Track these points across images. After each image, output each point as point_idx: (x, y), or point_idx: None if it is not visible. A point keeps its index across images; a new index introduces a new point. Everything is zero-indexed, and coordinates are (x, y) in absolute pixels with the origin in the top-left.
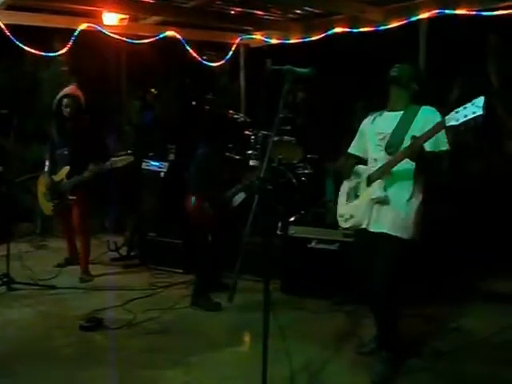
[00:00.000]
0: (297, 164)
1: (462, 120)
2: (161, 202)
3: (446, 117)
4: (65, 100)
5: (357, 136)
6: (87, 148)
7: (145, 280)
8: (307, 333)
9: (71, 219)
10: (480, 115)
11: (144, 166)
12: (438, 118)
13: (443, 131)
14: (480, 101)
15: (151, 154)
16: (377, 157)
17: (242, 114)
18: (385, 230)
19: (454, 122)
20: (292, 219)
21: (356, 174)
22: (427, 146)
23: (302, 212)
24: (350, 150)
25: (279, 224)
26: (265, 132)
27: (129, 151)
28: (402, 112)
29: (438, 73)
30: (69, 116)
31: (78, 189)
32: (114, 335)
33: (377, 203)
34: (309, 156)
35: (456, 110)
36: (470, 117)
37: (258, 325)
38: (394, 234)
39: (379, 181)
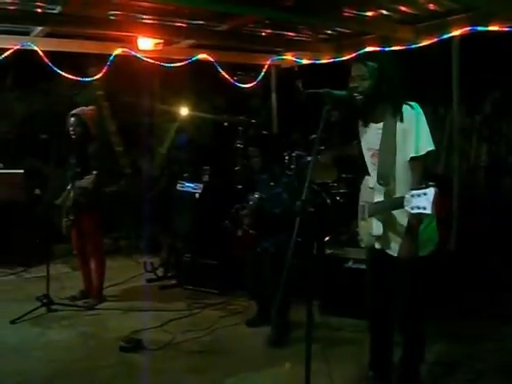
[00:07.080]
0: (331, 184)
1: (414, 211)
2: (196, 223)
3: (406, 196)
4: (71, 119)
5: None
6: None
7: (181, 301)
8: (347, 354)
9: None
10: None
11: (179, 187)
12: (412, 123)
13: (427, 129)
14: (430, 194)
15: (186, 175)
16: (372, 185)
17: None
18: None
19: (408, 208)
20: (328, 239)
21: (364, 190)
22: (410, 151)
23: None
24: None
25: (315, 244)
26: (299, 152)
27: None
28: (382, 125)
29: (471, 88)
30: (74, 136)
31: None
32: (154, 356)
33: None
34: (343, 175)
35: (412, 194)
36: (419, 212)
37: (297, 345)
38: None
39: (376, 219)
